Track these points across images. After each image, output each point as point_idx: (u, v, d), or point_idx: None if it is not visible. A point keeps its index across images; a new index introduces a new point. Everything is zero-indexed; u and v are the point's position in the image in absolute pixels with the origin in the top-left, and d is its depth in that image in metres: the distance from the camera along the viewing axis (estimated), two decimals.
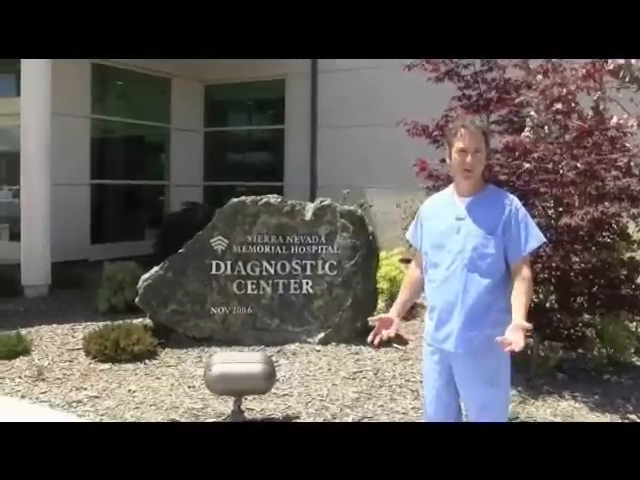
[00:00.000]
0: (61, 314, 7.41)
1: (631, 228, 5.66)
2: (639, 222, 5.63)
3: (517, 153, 5.30)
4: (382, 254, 7.38)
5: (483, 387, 3.13)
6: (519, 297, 3.05)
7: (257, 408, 4.77)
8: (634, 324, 5.97)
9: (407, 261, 8.65)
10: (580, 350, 5.73)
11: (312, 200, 8.88)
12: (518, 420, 4.53)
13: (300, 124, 12.12)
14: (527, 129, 5.70)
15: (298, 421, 4.56)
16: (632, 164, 5.33)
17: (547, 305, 5.67)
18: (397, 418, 4.65)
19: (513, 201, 3.15)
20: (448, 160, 3.24)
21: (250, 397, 4.78)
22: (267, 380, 4.45)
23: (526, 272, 3.10)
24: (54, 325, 6.93)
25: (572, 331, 5.65)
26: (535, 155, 5.22)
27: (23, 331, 6.49)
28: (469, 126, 3.14)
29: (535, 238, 3.13)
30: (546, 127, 5.63)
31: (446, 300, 3.17)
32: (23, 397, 5.05)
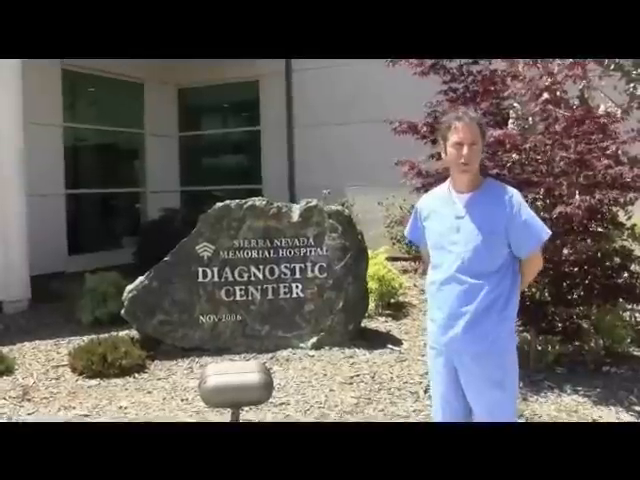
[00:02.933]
0: (43, 329, 7.19)
1: (620, 217, 5.62)
2: (628, 210, 5.60)
3: (508, 146, 5.20)
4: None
5: (490, 390, 3.03)
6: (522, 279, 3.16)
7: (255, 419, 4.62)
8: (628, 313, 5.93)
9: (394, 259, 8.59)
10: (577, 343, 5.66)
11: (291, 201, 8.77)
12: (523, 418, 4.44)
13: (276, 125, 11.94)
14: (511, 121, 5.62)
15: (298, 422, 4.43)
16: (620, 152, 5.28)
17: (542, 298, 5.60)
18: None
19: (515, 196, 3.05)
20: (444, 155, 3.13)
21: (247, 408, 4.63)
22: (265, 390, 4.25)
23: (538, 260, 3.17)
24: (37, 341, 6.70)
25: (567, 324, 5.59)
26: (526, 146, 5.13)
27: (4, 349, 6.28)
28: (464, 118, 3.03)
29: (543, 231, 3.06)
30: (530, 118, 5.56)
31: (448, 302, 3.08)
32: (9, 419, 4.85)
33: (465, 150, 2.99)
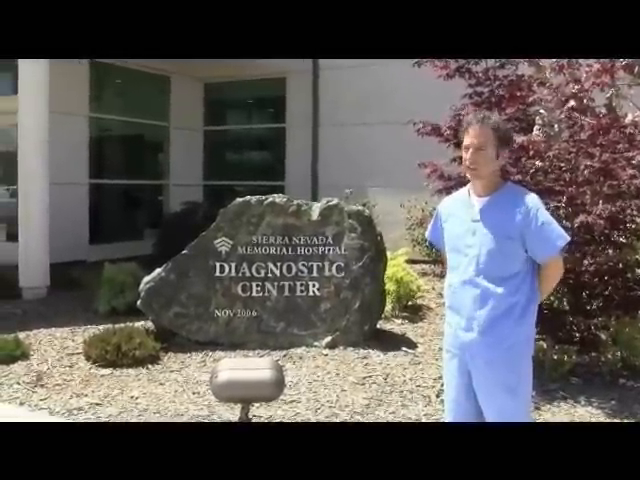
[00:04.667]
0: (60, 317, 7.24)
1: None
2: None
3: (532, 152, 5.14)
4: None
5: (502, 397, 2.99)
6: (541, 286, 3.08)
7: (265, 415, 4.62)
8: None
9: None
10: (594, 354, 5.59)
11: (314, 199, 8.76)
12: None
13: (301, 122, 11.94)
14: (536, 127, 5.56)
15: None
16: None
17: (560, 307, 5.54)
18: None
19: (532, 201, 3.00)
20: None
21: (257, 404, 4.63)
22: (276, 387, 4.24)
23: (558, 266, 3.07)
24: (53, 328, 6.76)
25: (585, 334, 5.52)
26: (550, 154, 5.07)
27: (21, 334, 6.34)
28: (473, 122, 3.02)
29: (560, 238, 3.00)
30: (556, 126, 5.50)
31: (464, 305, 3.05)
32: (22, 404, 4.91)
33: (469, 154, 2.97)
